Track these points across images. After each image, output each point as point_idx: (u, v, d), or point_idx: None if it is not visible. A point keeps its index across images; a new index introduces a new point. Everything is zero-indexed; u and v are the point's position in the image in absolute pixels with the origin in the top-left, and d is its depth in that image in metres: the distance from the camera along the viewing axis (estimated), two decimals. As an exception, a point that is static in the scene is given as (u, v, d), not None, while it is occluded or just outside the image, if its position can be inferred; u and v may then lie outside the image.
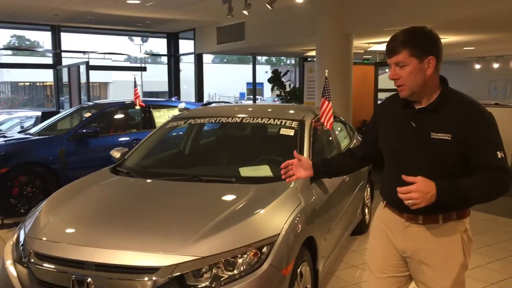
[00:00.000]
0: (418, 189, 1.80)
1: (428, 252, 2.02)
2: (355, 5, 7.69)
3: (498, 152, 1.89)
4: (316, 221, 3.04)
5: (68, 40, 11.98)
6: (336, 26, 7.71)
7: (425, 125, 1.97)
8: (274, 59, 33.06)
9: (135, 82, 7.37)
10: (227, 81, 33.55)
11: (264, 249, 2.46)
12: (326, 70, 4.47)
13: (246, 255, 2.42)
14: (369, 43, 10.94)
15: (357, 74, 9.04)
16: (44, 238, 2.66)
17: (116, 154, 3.96)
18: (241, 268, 2.38)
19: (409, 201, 1.82)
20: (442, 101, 1.97)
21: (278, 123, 3.78)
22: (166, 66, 13.62)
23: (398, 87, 1.99)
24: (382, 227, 2.18)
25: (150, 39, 17.50)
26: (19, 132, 7.56)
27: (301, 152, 3.42)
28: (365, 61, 13.87)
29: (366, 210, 5.07)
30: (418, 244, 2.04)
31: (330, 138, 4.26)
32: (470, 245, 2.06)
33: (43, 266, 2.52)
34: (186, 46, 13.34)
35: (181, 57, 13.55)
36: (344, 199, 3.95)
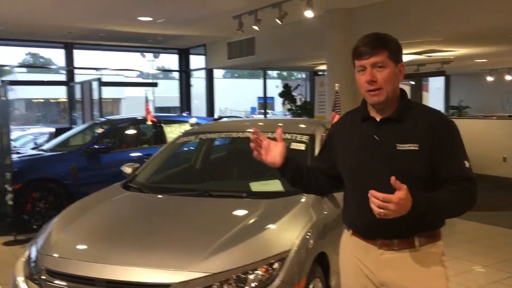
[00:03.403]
0: (400, 201, 1.63)
1: (409, 281, 1.84)
2: (364, 19, 7.70)
3: (465, 162, 1.81)
4: (328, 236, 3.01)
5: (81, 57, 12.15)
6: (346, 40, 7.71)
7: (389, 137, 1.83)
8: (285, 73, 33.20)
9: (146, 98, 7.42)
10: (238, 96, 33.69)
11: (276, 265, 2.43)
12: (337, 84, 4.47)
13: (257, 271, 2.39)
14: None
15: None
16: (55, 255, 2.66)
17: (127, 169, 3.97)
18: (252, 285, 2.35)
19: (382, 211, 1.64)
20: (405, 110, 1.86)
21: (289, 137, 3.77)
22: (177, 82, 13.73)
23: (371, 92, 1.82)
24: (353, 261, 1.96)
25: (162, 55, 17.66)
26: (33, 149, 7.64)
27: (312, 166, 3.39)
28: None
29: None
30: (396, 273, 1.85)
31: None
32: (447, 270, 1.91)
33: (54, 283, 2.52)
34: (197, 61, 13.44)
35: (192, 72, 13.66)
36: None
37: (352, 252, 1.97)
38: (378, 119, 1.88)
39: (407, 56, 10.01)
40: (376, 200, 1.64)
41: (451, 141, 1.82)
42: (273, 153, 1.98)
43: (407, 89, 14.12)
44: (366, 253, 1.91)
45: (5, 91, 5.95)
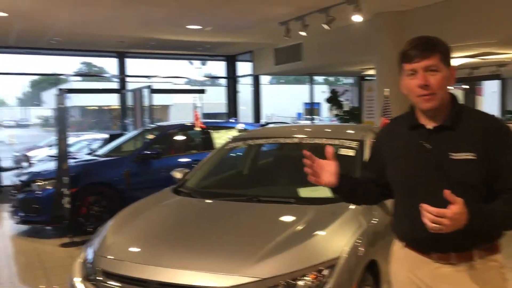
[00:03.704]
0: (455, 216, 1.54)
1: None
2: (415, 22, 7.53)
3: None
4: (379, 244, 2.95)
5: (132, 65, 12.54)
6: (396, 43, 7.56)
7: (441, 145, 1.74)
8: (331, 78, 32.95)
9: (195, 104, 7.57)
10: (284, 102, 33.72)
11: (325, 272, 2.42)
12: (387, 89, 4.39)
13: (306, 278, 2.39)
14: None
15: (418, 92, 8.78)
16: (110, 257, 2.76)
17: (177, 174, 4.06)
18: (302, 291, 2.35)
19: (435, 226, 1.56)
20: (458, 116, 1.76)
21: (337, 143, 3.74)
22: (224, 88, 13.90)
23: (424, 96, 1.73)
24: (406, 273, 1.87)
25: (209, 62, 17.96)
26: (88, 154, 7.95)
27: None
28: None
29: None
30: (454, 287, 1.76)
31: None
32: (507, 283, 1.82)
33: (109, 284, 2.61)
34: (244, 68, 13.58)
35: (239, 78, 13.80)
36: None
37: (404, 265, 1.89)
38: (429, 127, 1.79)
39: (460, 59, 9.69)
40: (429, 214, 1.56)
41: (508, 148, 1.72)
42: (327, 173, 1.92)
43: (459, 93, 13.68)
44: (420, 266, 1.82)
45: (63, 99, 6.23)
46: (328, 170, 1.92)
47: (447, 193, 1.55)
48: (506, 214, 1.68)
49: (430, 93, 1.73)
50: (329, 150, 1.94)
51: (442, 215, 1.54)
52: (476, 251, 1.74)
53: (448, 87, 1.78)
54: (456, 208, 1.54)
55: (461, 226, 1.58)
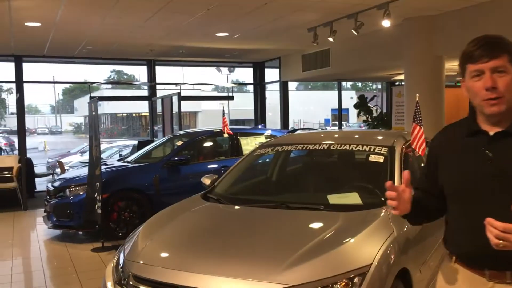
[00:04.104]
0: None
1: None
2: (446, 26, 7.41)
3: None
4: (410, 252, 2.90)
5: (162, 72, 12.72)
6: (426, 48, 7.46)
7: (505, 153, 1.63)
8: (359, 84, 32.68)
9: (223, 111, 7.63)
10: (312, 108, 33.61)
11: (356, 280, 2.39)
12: (417, 94, 4.34)
13: (336, 286, 2.36)
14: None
15: (450, 97, 8.64)
16: (141, 261, 2.80)
17: (206, 181, 4.09)
18: (332, 299, 2.32)
19: (501, 242, 1.48)
20: None
21: (367, 149, 3.70)
22: (252, 95, 13.95)
23: (490, 100, 1.63)
24: None
25: (237, 69, 18.08)
26: (118, 160, 8.09)
27: (391, 179, 3.30)
28: (458, 84, 13.21)
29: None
30: None
31: (423, 165, 4.08)
32: None
33: (140, 288, 2.64)
34: (271, 74, 13.60)
35: (267, 85, 13.83)
36: (440, 229, 3.72)
37: (453, 282, 1.81)
38: (491, 133, 1.69)
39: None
40: (495, 230, 1.48)
41: None
42: (404, 200, 1.81)
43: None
44: (472, 284, 1.74)
45: (95, 107, 6.37)
46: (403, 196, 1.80)
47: None
48: None
49: (497, 96, 1.62)
50: (406, 176, 1.83)
51: (509, 230, 1.46)
52: None
53: None
54: None
55: None
